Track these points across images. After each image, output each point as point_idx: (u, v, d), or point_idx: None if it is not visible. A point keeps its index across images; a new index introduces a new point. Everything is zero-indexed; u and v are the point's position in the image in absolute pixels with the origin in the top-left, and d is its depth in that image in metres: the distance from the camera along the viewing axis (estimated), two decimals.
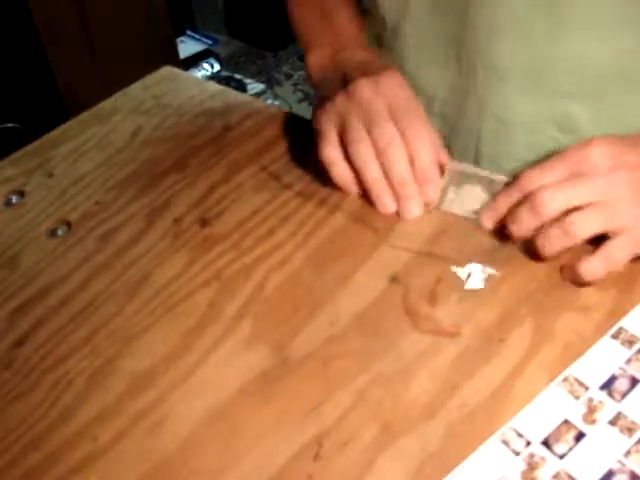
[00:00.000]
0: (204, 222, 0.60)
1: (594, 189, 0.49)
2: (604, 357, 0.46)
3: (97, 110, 0.76)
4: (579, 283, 0.50)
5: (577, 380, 0.45)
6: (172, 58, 1.97)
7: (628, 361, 0.46)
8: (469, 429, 0.43)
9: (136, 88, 0.78)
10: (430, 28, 0.64)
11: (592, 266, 0.49)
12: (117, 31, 1.81)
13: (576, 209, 0.49)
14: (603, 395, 0.44)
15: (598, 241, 0.49)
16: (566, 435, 0.42)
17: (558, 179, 0.50)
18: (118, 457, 0.44)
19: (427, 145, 0.56)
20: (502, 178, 0.56)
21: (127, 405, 0.47)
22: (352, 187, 0.58)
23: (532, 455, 0.42)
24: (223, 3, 2.65)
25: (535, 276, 0.51)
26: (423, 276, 0.53)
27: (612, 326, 0.48)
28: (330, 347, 0.49)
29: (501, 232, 0.54)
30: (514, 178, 0.53)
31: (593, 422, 0.43)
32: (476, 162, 0.67)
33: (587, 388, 0.45)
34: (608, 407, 0.44)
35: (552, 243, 0.49)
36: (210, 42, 2.58)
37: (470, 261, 0.53)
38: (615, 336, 0.48)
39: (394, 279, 0.53)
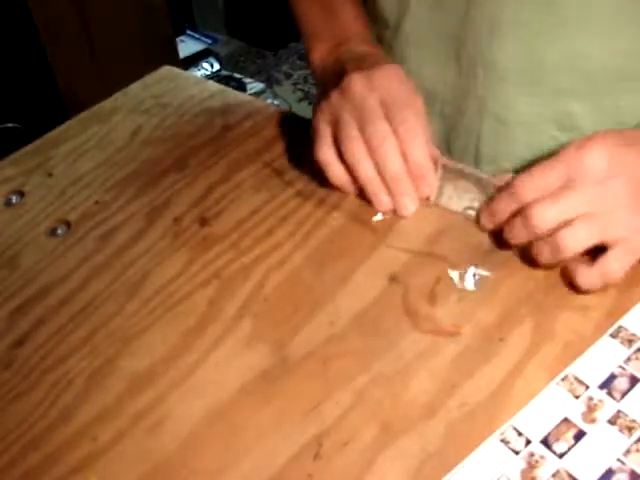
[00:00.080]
0: (203, 222, 0.60)
1: (588, 199, 0.47)
2: (604, 356, 0.46)
3: (97, 110, 0.76)
4: (578, 289, 0.50)
5: (577, 379, 0.45)
6: (172, 58, 1.97)
7: (627, 360, 0.46)
8: (469, 428, 0.43)
9: (136, 88, 0.78)
10: (430, 27, 0.64)
11: (589, 279, 0.49)
12: (117, 31, 1.81)
13: (571, 220, 0.48)
14: (603, 394, 0.44)
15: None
16: (566, 434, 0.42)
17: (552, 187, 0.48)
18: (118, 457, 0.44)
19: (420, 141, 0.55)
20: (492, 178, 0.56)
21: (127, 405, 0.47)
22: (349, 187, 0.57)
23: (532, 454, 0.42)
24: (223, 3, 2.65)
25: (534, 276, 0.51)
26: (423, 276, 0.53)
27: (611, 325, 0.48)
28: (330, 347, 0.49)
29: (499, 234, 0.54)
30: (505, 183, 0.52)
31: (593, 421, 0.43)
32: (476, 162, 0.67)
33: (587, 387, 0.45)
34: (608, 406, 0.44)
35: (545, 256, 0.49)
36: (210, 41, 2.58)
37: (468, 262, 0.53)
38: (614, 335, 0.48)
39: (394, 279, 0.53)
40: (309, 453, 0.43)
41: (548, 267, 0.51)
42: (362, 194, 0.58)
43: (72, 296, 0.55)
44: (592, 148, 0.48)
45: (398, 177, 0.55)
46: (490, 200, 0.53)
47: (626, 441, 0.42)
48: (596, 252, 0.49)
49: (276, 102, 2.34)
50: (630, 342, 0.47)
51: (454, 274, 0.53)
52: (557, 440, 0.42)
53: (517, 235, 0.50)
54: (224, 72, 2.50)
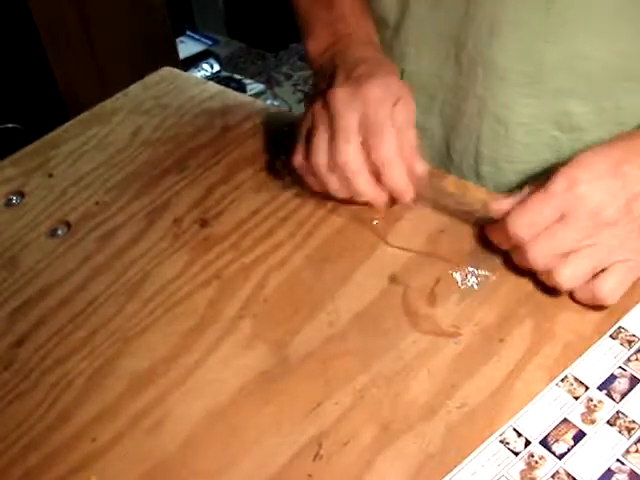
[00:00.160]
0: (204, 222, 0.60)
1: (582, 234, 0.47)
2: (603, 357, 0.46)
3: (97, 110, 0.76)
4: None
5: (576, 380, 0.45)
6: (172, 58, 1.97)
7: (627, 361, 0.46)
8: (469, 429, 0.43)
9: (136, 88, 0.78)
10: (430, 27, 0.64)
11: (585, 297, 0.49)
12: (117, 31, 1.81)
13: (567, 254, 0.48)
14: (602, 395, 0.44)
15: None
16: (565, 435, 0.42)
17: (546, 222, 0.48)
18: (118, 457, 0.44)
19: (396, 167, 0.54)
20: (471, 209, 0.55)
21: (127, 405, 0.47)
22: (323, 191, 0.57)
23: (531, 454, 0.42)
24: (223, 3, 2.65)
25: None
26: (422, 276, 0.53)
27: (611, 326, 0.48)
28: (330, 347, 0.49)
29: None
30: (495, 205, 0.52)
31: (592, 422, 0.43)
32: (476, 162, 0.67)
33: (586, 388, 0.45)
34: (607, 407, 0.44)
35: (548, 284, 0.50)
36: (210, 42, 2.58)
37: (468, 262, 0.53)
38: (614, 336, 0.48)
39: (393, 279, 0.53)
40: (309, 453, 0.43)
41: None
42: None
43: (72, 297, 0.55)
44: (581, 182, 0.47)
45: (361, 195, 0.55)
46: (487, 229, 0.54)
47: (625, 442, 0.42)
48: None
49: (276, 103, 2.34)
50: (630, 343, 0.47)
51: (456, 275, 0.53)
52: (557, 441, 0.42)
53: (519, 262, 0.51)
54: (224, 73, 2.50)
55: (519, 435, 0.43)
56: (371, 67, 0.57)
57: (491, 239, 0.53)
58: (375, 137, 0.53)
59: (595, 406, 0.44)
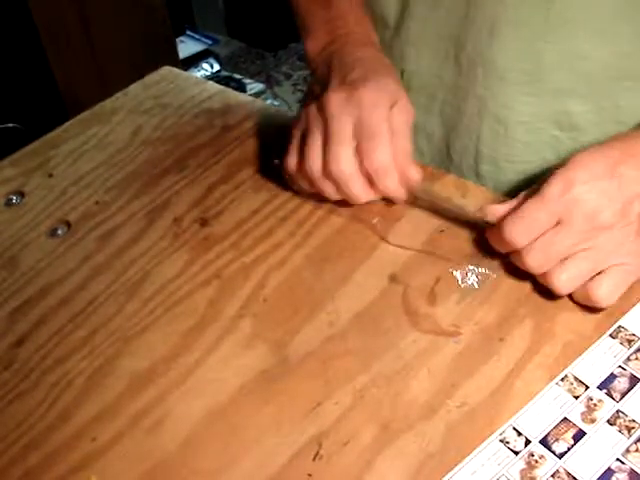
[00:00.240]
0: (204, 222, 0.60)
1: (579, 238, 0.47)
2: (603, 356, 0.46)
3: (97, 110, 0.76)
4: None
5: (576, 379, 0.45)
6: (172, 58, 1.97)
7: (627, 360, 0.46)
8: (469, 428, 0.43)
9: (136, 88, 0.78)
10: (430, 27, 0.64)
11: (582, 299, 0.49)
12: (117, 31, 1.81)
13: (564, 259, 0.48)
14: (602, 394, 0.44)
15: None
16: (565, 434, 0.42)
17: (543, 228, 0.48)
18: (118, 457, 0.45)
19: (389, 173, 0.54)
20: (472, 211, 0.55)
21: (127, 405, 0.47)
22: (313, 192, 0.58)
23: (531, 454, 0.42)
24: (223, 3, 2.65)
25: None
26: (422, 276, 0.53)
27: (611, 325, 0.48)
28: (330, 347, 0.49)
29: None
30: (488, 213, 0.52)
31: (592, 421, 0.43)
32: (476, 161, 0.67)
33: (586, 387, 0.45)
34: (607, 406, 0.44)
35: (549, 288, 0.50)
36: (210, 42, 2.58)
37: (468, 262, 0.53)
38: (614, 335, 0.48)
39: (393, 279, 0.53)
40: (309, 453, 0.43)
41: None
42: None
43: (72, 296, 0.55)
44: (577, 186, 0.47)
45: (355, 200, 0.56)
46: (487, 233, 0.53)
47: (625, 441, 0.42)
48: None
49: (276, 103, 2.34)
50: (630, 342, 0.47)
51: (456, 273, 0.53)
52: (557, 440, 0.42)
53: (518, 265, 0.51)
54: (224, 73, 2.50)
55: (519, 434, 0.43)
56: (367, 70, 0.56)
57: (490, 243, 0.53)
58: (369, 143, 0.53)
59: (595, 405, 0.44)
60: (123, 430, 0.46)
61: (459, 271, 0.53)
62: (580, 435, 0.42)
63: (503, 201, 0.53)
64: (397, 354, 0.48)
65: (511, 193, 0.64)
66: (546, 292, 0.50)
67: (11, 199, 0.66)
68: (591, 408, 0.44)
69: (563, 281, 0.48)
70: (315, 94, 0.57)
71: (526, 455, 0.42)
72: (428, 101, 0.68)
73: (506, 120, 0.63)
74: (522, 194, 0.52)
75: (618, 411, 0.43)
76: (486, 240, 0.54)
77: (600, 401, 0.44)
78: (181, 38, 2.49)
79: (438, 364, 0.47)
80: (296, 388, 0.47)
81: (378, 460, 0.43)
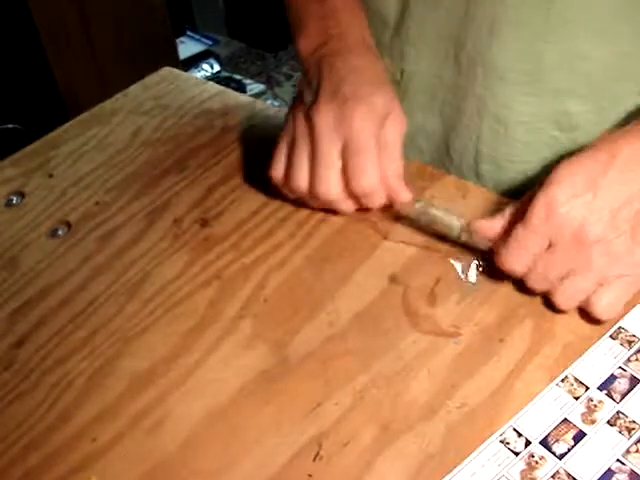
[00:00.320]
0: (204, 222, 0.60)
1: (572, 257, 0.47)
2: (603, 357, 0.46)
3: (97, 111, 0.76)
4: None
5: (576, 380, 0.45)
6: (172, 58, 1.97)
7: (627, 361, 0.46)
8: (469, 429, 0.43)
9: (136, 89, 0.78)
10: (430, 27, 0.64)
11: (585, 311, 0.49)
12: (117, 31, 1.81)
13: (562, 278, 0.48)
14: (602, 395, 0.44)
15: None
16: (566, 435, 0.42)
17: (536, 253, 0.48)
18: (118, 457, 0.45)
19: (376, 197, 0.55)
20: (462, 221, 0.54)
21: (127, 405, 0.47)
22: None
23: (532, 455, 0.42)
24: (223, 3, 2.65)
25: None
26: (422, 276, 0.53)
27: (611, 326, 0.48)
28: (330, 347, 0.49)
29: None
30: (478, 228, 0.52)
31: (592, 422, 0.43)
32: (476, 161, 0.67)
33: (587, 388, 0.45)
34: (607, 407, 0.44)
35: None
36: (210, 43, 2.58)
37: (470, 256, 0.53)
38: (614, 336, 0.48)
39: (393, 279, 0.53)
40: (309, 453, 0.43)
41: None
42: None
43: (72, 297, 0.55)
44: (559, 208, 0.46)
45: (342, 213, 0.57)
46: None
47: (626, 442, 0.42)
48: None
49: (276, 103, 2.34)
50: (630, 343, 0.47)
51: (457, 265, 0.53)
52: (557, 441, 0.42)
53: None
54: (224, 73, 2.50)
55: (519, 435, 0.43)
56: (359, 84, 0.55)
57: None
58: (356, 165, 0.53)
59: (595, 406, 0.44)
60: (123, 431, 0.46)
61: (461, 263, 0.53)
62: (580, 436, 0.42)
63: (488, 219, 0.53)
64: (397, 355, 0.48)
65: (511, 192, 0.64)
66: None
67: (11, 199, 0.66)
68: (591, 409, 0.44)
69: (563, 300, 0.48)
70: (305, 101, 0.57)
71: (526, 456, 0.42)
72: (428, 101, 0.68)
73: (506, 120, 0.63)
74: (508, 209, 0.51)
75: (618, 412, 0.43)
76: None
77: (600, 402, 0.44)
78: (181, 39, 2.49)
79: (438, 365, 0.47)
80: (296, 388, 0.47)
81: (378, 461, 0.43)
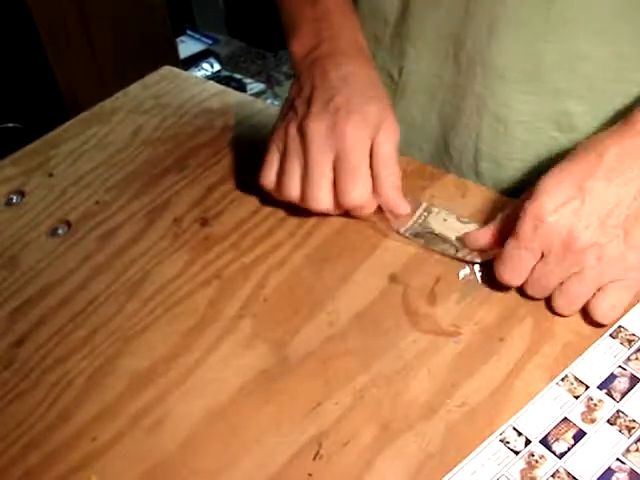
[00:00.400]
0: (204, 222, 0.60)
1: (566, 265, 0.47)
2: (603, 356, 0.46)
3: (97, 110, 0.76)
4: None
5: (576, 379, 0.45)
6: (172, 58, 1.97)
7: (627, 360, 0.46)
8: (469, 428, 0.43)
9: (136, 88, 0.78)
10: (430, 26, 0.64)
11: (585, 314, 0.49)
12: (117, 31, 1.81)
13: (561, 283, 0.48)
14: (602, 394, 0.44)
15: None
16: (565, 434, 0.42)
17: (531, 266, 0.48)
18: (118, 456, 0.45)
19: (365, 209, 0.55)
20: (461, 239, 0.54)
21: (127, 405, 0.47)
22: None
23: (532, 454, 0.42)
24: (223, 3, 2.65)
25: None
26: (422, 276, 0.53)
27: (611, 325, 0.48)
28: (330, 347, 0.49)
29: None
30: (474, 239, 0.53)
31: (592, 421, 0.43)
32: (475, 160, 0.67)
33: (586, 387, 0.45)
34: (607, 406, 0.44)
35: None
36: (210, 42, 2.58)
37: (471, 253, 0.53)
38: (614, 335, 0.48)
39: (393, 279, 0.53)
40: (309, 453, 0.43)
41: None
42: None
43: (72, 296, 0.55)
44: (547, 218, 0.46)
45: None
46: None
47: (626, 441, 0.42)
48: None
49: (276, 103, 2.34)
50: (630, 342, 0.47)
51: (457, 265, 0.53)
52: (557, 440, 0.42)
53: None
54: (224, 72, 2.50)
55: (519, 434, 0.43)
56: (351, 94, 0.55)
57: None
58: (346, 180, 0.54)
59: (595, 405, 0.44)
60: (123, 430, 0.46)
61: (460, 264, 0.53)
62: (580, 435, 0.42)
63: (479, 229, 0.53)
64: (397, 354, 0.48)
65: (510, 191, 0.64)
66: None
67: (11, 199, 0.66)
68: (591, 408, 0.44)
69: (561, 306, 0.49)
70: (297, 110, 0.57)
71: (526, 455, 0.42)
72: (427, 100, 0.68)
73: (505, 119, 0.63)
74: (499, 217, 0.52)
75: (618, 411, 0.43)
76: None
77: (600, 401, 0.44)
78: (181, 38, 2.49)
79: (438, 364, 0.47)
80: (296, 388, 0.47)
81: (378, 460, 0.43)
